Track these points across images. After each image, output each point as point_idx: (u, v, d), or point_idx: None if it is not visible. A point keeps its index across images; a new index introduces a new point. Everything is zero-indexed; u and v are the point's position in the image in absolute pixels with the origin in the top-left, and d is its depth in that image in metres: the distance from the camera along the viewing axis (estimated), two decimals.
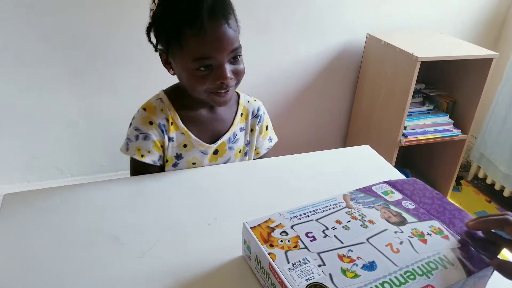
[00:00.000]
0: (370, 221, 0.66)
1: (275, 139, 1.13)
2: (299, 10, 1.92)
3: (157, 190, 0.90)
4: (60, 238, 0.75)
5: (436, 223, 0.66)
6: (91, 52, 1.73)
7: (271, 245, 0.60)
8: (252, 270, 0.66)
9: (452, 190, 2.21)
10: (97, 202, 0.86)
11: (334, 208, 0.69)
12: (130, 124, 0.96)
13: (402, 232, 0.64)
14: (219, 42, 0.81)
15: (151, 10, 0.86)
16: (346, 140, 2.37)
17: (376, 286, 0.54)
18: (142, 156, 0.94)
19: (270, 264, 0.58)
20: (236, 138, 1.02)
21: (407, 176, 2.18)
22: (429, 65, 2.08)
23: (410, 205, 0.71)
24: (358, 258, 0.58)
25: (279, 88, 2.09)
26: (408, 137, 1.90)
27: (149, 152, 0.94)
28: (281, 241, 0.61)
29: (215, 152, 1.00)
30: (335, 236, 0.62)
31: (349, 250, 0.60)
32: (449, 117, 2.01)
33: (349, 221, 0.66)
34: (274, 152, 1.12)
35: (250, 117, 1.04)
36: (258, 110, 1.05)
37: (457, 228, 0.65)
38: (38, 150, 1.87)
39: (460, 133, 1.98)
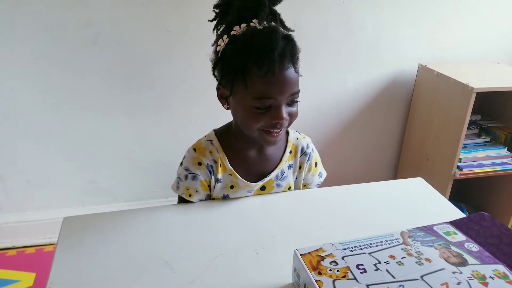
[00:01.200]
0: (427, 259, 0.63)
1: (324, 174, 1.12)
2: (349, 41, 1.93)
3: (208, 218, 0.92)
4: (114, 261, 0.78)
5: (501, 267, 0.62)
6: (150, 84, 1.82)
7: (319, 273, 0.60)
8: None
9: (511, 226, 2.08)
10: (150, 227, 0.88)
11: (389, 243, 0.67)
12: (181, 164, 0.98)
13: (461, 273, 0.60)
14: (283, 85, 0.83)
15: (218, 45, 0.88)
16: (397, 172, 2.31)
17: None
18: (190, 195, 0.97)
19: None
20: (284, 176, 1.02)
21: (462, 211, 2.08)
22: (485, 96, 2.01)
23: (474, 248, 0.67)
24: None
25: (327, 119, 2.09)
26: (464, 170, 1.83)
27: (196, 191, 0.97)
28: (330, 270, 0.61)
29: (263, 188, 1.00)
30: (387, 270, 0.60)
31: (400, 286, 0.58)
32: (508, 150, 1.92)
33: (404, 257, 0.63)
34: (322, 185, 1.12)
35: (299, 154, 1.03)
36: (307, 148, 1.05)
37: None
38: (95, 175, 1.96)
39: None
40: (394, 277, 0.59)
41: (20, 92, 1.72)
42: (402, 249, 0.65)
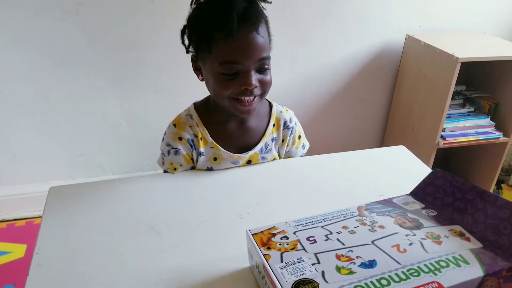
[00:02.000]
0: (380, 226, 0.62)
1: (307, 145, 1.12)
2: (337, 10, 1.92)
3: (193, 186, 0.94)
4: (101, 228, 0.79)
5: (457, 227, 0.62)
6: (135, 56, 1.80)
7: (269, 248, 0.59)
8: (256, 281, 0.65)
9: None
10: (136, 195, 0.90)
11: (344, 216, 0.66)
12: (163, 139, 0.99)
13: (414, 235, 0.60)
14: (246, 48, 0.81)
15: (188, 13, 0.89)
16: (383, 142, 2.34)
17: (371, 281, 0.51)
18: (175, 169, 0.99)
19: (263, 265, 0.56)
20: (268, 148, 1.03)
21: None
22: (470, 66, 2.02)
23: (432, 213, 0.66)
24: (357, 257, 0.55)
25: (314, 88, 2.09)
26: (447, 139, 1.86)
27: (180, 165, 0.99)
28: (280, 244, 0.60)
29: (248, 162, 1.01)
30: (337, 239, 0.60)
31: (349, 251, 0.57)
32: (491, 119, 1.95)
33: (357, 226, 0.62)
34: (309, 154, 1.13)
35: (281, 127, 1.03)
36: (290, 122, 1.04)
37: (482, 220, 0.60)
38: (83, 149, 1.96)
39: (502, 136, 1.92)
40: (344, 244, 0.58)
41: (3, 65, 1.70)
42: (356, 220, 0.64)
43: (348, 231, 0.61)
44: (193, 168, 1.02)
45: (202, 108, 0.99)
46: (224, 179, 0.96)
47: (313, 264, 0.55)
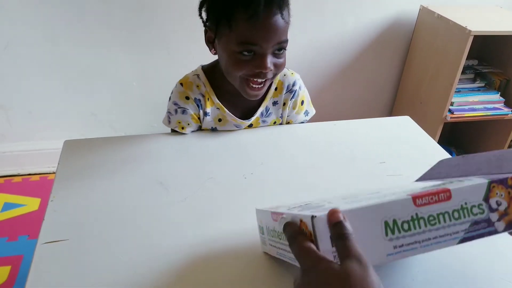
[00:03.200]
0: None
1: (312, 112, 1.12)
2: None
3: (200, 146, 0.98)
4: (112, 181, 0.84)
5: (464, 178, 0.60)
6: (148, 19, 1.81)
7: (276, 219, 0.56)
8: (269, 256, 0.65)
9: None
10: (146, 152, 0.94)
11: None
12: (170, 98, 1.01)
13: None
14: (269, 31, 0.80)
15: None
16: (392, 114, 2.35)
17: (379, 195, 0.51)
18: (182, 128, 1.01)
19: (277, 213, 0.55)
20: (269, 112, 1.05)
21: (451, 154, 2.13)
22: (484, 40, 2.00)
23: (441, 175, 0.66)
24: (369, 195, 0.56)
25: (325, 56, 2.09)
26: (455, 113, 1.87)
27: (188, 124, 1.01)
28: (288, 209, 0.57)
29: (250, 125, 1.04)
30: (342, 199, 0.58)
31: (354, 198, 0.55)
32: (501, 95, 1.95)
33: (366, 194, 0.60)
34: (316, 120, 1.14)
35: (284, 91, 1.03)
36: (293, 85, 1.04)
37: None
38: (95, 108, 2.01)
39: (511, 112, 1.92)
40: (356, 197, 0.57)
41: (20, 23, 1.72)
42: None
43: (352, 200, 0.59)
44: (199, 127, 1.05)
45: (209, 71, 1.00)
46: (230, 140, 1.00)
47: (316, 206, 0.53)
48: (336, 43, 2.06)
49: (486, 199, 0.50)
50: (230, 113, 1.01)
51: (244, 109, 1.03)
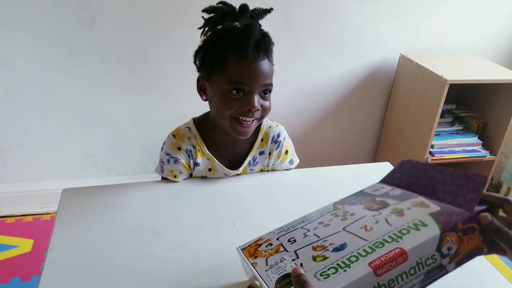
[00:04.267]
0: (351, 214, 0.65)
1: (296, 161, 1.19)
2: (335, 30, 2.02)
3: (191, 194, 1.04)
4: (108, 228, 0.90)
5: (419, 198, 0.63)
6: (144, 65, 1.91)
7: (255, 257, 0.65)
8: None
9: None
10: (141, 200, 1.00)
11: (321, 214, 0.70)
12: (162, 148, 1.08)
13: (380, 214, 0.62)
14: (256, 73, 0.90)
15: (203, 36, 0.97)
16: (376, 157, 2.44)
17: (342, 261, 0.54)
18: (175, 176, 1.08)
19: (252, 271, 0.62)
20: (256, 161, 1.12)
21: None
22: (461, 86, 2.12)
23: (397, 191, 0.69)
24: (330, 244, 0.59)
25: (310, 102, 2.19)
26: (435, 155, 1.96)
27: (180, 173, 1.08)
28: (265, 251, 0.66)
29: (238, 174, 1.12)
30: (314, 234, 0.64)
31: (323, 241, 0.61)
32: (479, 138, 2.05)
33: (331, 219, 0.66)
34: (303, 165, 1.21)
35: (269, 141, 1.11)
36: (278, 136, 1.11)
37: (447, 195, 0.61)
38: (90, 150, 2.07)
39: (489, 154, 2.01)
40: (319, 237, 0.62)
41: (20, 69, 1.81)
42: (331, 214, 0.68)
43: (323, 225, 0.65)
44: (191, 175, 1.11)
45: (200, 124, 1.08)
46: (219, 188, 1.06)
47: (293, 260, 0.60)
48: (321, 88, 2.16)
49: (439, 249, 0.53)
50: (220, 163, 1.07)
51: (233, 158, 1.10)
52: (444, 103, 1.84)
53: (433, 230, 0.53)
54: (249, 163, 1.11)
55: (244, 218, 0.95)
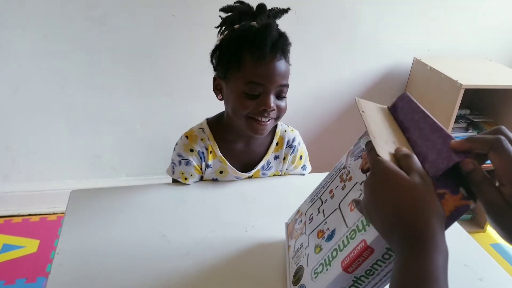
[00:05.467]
0: (350, 178, 0.63)
1: (309, 168, 1.18)
2: (348, 32, 1.99)
3: (202, 197, 1.02)
4: (117, 233, 0.88)
5: None
6: (154, 65, 1.89)
7: (291, 238, 0.70)
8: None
9: None
10: (150, 203, 0.98)
11: (335, 173, 0.69)
12: (174, 149, 1.07)
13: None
14: (273, 73, 0.89)
15: (220, 35, 0.96)
16: None
17: (328, 257, 0.55)
18: (185, 179, 1.06)
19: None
20: (270, 166, 1.10)
21: None
22: (475, 92, 2.08)
23: None
24: (327, 229, 0.60)
25: (323, 106, 2.17)
26: None
27: (191, 175, 1.06)
28: (297, 231, 0.70)
29: (250, 176, 1.09)
30: (323, 211, 0.65)
31: (325, 223, 0.62)
32: None
33: (337, 186, 0.65)
34: (315, 170, 1.18)
35: (285, 146, 1.09)
36: (293, 141, 1.11)
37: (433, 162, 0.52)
38: (99, 150, 2.05)
39: None
40: (324, 216, 0.63)
41: (28, 68, 1.79)
42: (339, 176, 0.67)
43: (331, 197, 0.66)
44: (201, 178, 1.09)
45: (214, 124, 1.06)
46: (231, 191, 1.04)
47: (305, 248, 0.62)
48: (333, 91, 2.14)
49: None
50: (232, 166, 1.05)
51: (246, 162, 1.07)
52: (458, 108, 1.80)
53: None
54: (263, 167, 1.09)
55: (256, 224, 0.92)
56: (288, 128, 1.11)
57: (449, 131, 1.84)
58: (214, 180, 1.08)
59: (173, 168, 1.07)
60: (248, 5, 0.94)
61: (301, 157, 1.14)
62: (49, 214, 2.06)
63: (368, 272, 0.53)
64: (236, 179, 1.08)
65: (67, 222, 0.90)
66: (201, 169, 1.07)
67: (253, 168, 1.07)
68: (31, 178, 2.05)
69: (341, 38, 2.01)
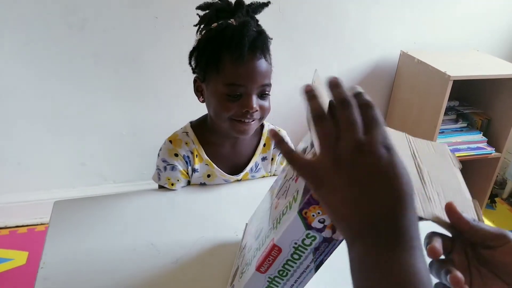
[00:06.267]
0: (285, 192, 0.59)
1: None
2: (334, 28, 1.98)
3: (190, 203, 0.99)
4: (103, 243, 0.84)
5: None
6: (137, 69, 1.85)
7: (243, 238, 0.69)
8: None
9: (486, 207, 2.19)
10: (136, 211, 0.95)
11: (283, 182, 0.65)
12: (158, 155, 1.03)
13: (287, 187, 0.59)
14: (253, 73, 0.86)
15: (198, 35, 0.93)
16: None
17: (250, 256, 0.56)
18: (172, 184, 1.02)
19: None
20: (258, 168, 1.07)
21: None
22: (463, 83, 2.07)
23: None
24: (260, 229, 0.60)
25: None
26: None
27: (178, 180, 1.02)
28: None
29: (239, 180, 1.06)
30: (269, 218, 0.61)
31: (260, 223, 0.62)
32: (483, 135, 2.00)
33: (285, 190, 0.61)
34: None
35: (272, 147, 1.07)
36: None
37: None
38: (85, 158, 2.01)
39: (494, 151, 1.97)
40: (261, 216, 0.64)
41: (10, 76, 1.75)
42: (284, 184, 0.62)
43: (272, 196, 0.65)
44: (189, 182, 1.06)
45: (198, 127, 1.03)
46: (220, 196, 1.01)
47: (245, 248, 0.63)
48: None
49: (309, 226, 0.48)
50: (219, 169, 1.02)
51: (233, 164, 1.04)
52: (447, 100, 1.79)
53: (291, 212, 0.50)
54: (251, 169, 1.06)
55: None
56: (275, 128, 1.09)
57: (438, 123, 1.83)
58: (202, 184, 1.05)
59: (159, 174, 1.03)
60: (226, 1, 0.91)
61: None
62: (37, 224, 2.02)
63: (281, 272, 0.52)
64: (224, 182, 1.05)
65: (51, 234, 0.87)
66: (187, 173, 1.03)
67: (241, 171, 1.04)
68: (16, 189, 2.00)
69: (326, 34, 1.99)
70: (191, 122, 1.05)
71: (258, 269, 0.52)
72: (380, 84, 2.18)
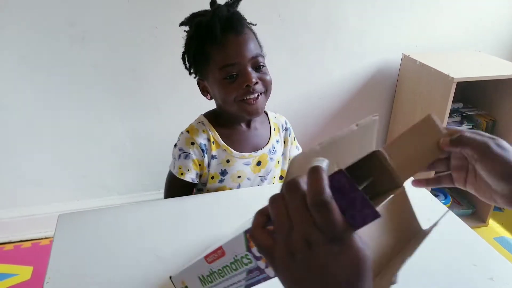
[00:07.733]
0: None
1: (300, 148, 1.20)
2: (333, 33, 1.97)
3: (196, 212, 0.97)
4: (108, 256, 0.83)
5: None
6: (138, 79, 1.85)
7: None
8: None
9: (494, 209, 2.16)
10: (141, 222, 0.93)
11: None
12: (175, 145, 1.06)
13: None
14: (238, 48, 0.91)
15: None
16: None
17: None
18: (182, 174, 1.03)
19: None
20: (275, 150, 1.10)
21: (445, 196, 2.13)
22: (467, 84, 2.06)
23: None
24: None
25: (314, 109, 2.13)
26: None
27: (188, 170, 1.03)
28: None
29: (258, 163, 1.07)
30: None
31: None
32: None
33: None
34: None
35: (281, 130, 1.12)
36: (286, 123, 1.14)
37: None
38: (87, 170, 2.00)
39: None
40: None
41: (9, 90, 1.74)
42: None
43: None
44: (198, 176, 1.07)
45: (211, 116, 1.06)
46: (226, 206, 1.00)
47: None
48: (323, 93, 2.11)
49: (249, 249, 0.49)
50: (237, 152, 1.04)
51: (250, 147, 1.06)
52: (451, 102, 1.77)
53: (241, 229, 0.51)
54: (270, 151, 1.09)
55: None
56: (276, 114, 1.14)
57: (443, 125, 1.80)
58: (223, 172, 1.05)
59: (174, 163, 1.05)
60: (204, 10, 0.97)
61: (294, 137, 1.17)
62: (41, 239, 2.00)
63: (219, 271, 0.54)
64: (244, 166, 1.06)
65: (55, 248, 0.85)
66: (199, 165, 1.04)
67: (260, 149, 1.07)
68: (18, 204, 1.99)
69: (326, 39, 1.98)
70: (203, 114, 1.08)
71: (206, 257, 0.55)
72: (383, 88, 2.17)
